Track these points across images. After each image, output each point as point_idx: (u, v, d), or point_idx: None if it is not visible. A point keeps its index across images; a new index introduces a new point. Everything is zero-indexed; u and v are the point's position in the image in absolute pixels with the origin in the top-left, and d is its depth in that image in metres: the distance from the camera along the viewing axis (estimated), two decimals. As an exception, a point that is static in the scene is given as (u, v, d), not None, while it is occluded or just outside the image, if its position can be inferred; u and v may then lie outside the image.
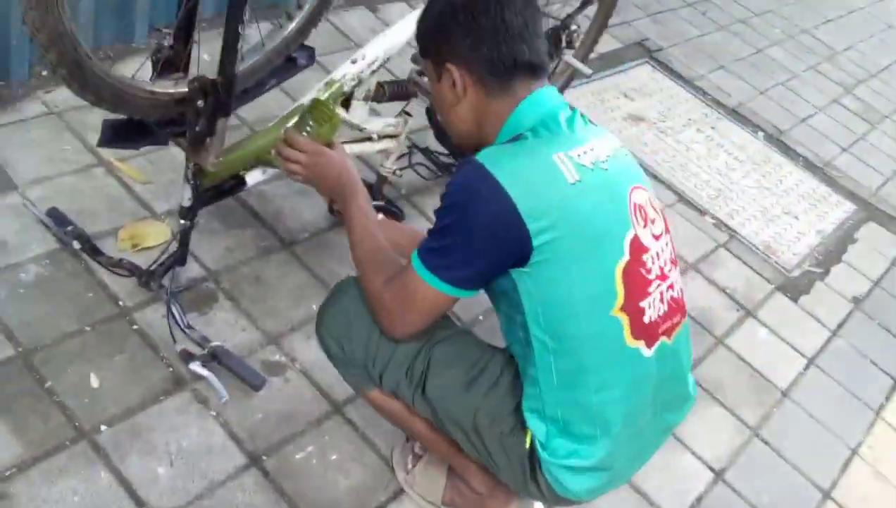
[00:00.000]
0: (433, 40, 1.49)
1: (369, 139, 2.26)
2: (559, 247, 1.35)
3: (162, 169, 2.35)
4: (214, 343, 1.95)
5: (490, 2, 1.41)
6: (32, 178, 2.19)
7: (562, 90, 2.84)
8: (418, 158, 2.70)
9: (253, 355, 2.05)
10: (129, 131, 1.65)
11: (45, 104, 2.43)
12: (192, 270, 2.18)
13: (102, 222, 2.16)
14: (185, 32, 1.64)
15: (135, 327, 1.99)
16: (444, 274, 1.38)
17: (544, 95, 1.46)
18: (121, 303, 2.02)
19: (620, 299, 1.40)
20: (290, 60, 1.95)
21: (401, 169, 2.50)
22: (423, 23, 1.51)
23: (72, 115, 2.42)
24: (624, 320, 1.41)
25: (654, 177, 3.34)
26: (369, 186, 2.45)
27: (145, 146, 1.84)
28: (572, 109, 1.50)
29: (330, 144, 1.73)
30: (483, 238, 1.34)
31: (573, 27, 2.53)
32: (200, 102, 1.65)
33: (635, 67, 4.06)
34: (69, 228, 2.05)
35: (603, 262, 1.39)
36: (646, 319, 1.44)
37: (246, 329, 2.09)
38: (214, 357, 1.92)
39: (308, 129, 1.73)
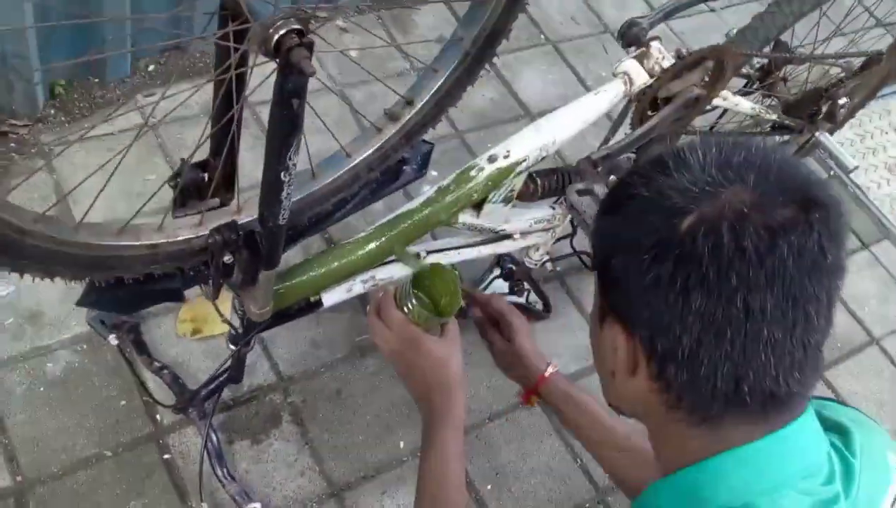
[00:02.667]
0: (604, 267, 0.80)
1: (508, 237, 1.64)
2: None
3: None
4: (252, 505, 1.50)
5: (727, 260, 0.69)
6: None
7: None
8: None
9: (306, 515, 1.58)
10: (125, 295, 1.15)
11: (141, 112, 1.99)
12: (259, 372, 1.71)
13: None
14: (224, 143, 1.09)
15: (166, 455, 1.57)
16: None
17: (782, 450, 0.76)
18: (157, 418, 1.60)
19: None
20: (397, 166, 1.35)
21: (555, 261, 1.87)
22: (600, 216, 0.84)
23: (171, 129, 1.98)
24: None
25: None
26: (509, 272, 1.88)
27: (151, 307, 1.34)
28: (837, 450, 0.81)
29: (442, 325, 1.17)
30: None
31: (842, 99, 1.72)
32: (228, 258, 1.12)
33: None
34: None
35: None
36: None
37: (305, 473, 1.62)
38: (250, 526, 1.48)
39: (410, 305, 1.16)
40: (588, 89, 2.52)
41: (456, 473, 1.11)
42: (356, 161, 1.26)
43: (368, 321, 1.20)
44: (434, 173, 2.13)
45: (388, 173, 1.33)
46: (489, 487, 1.69)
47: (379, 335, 1.18)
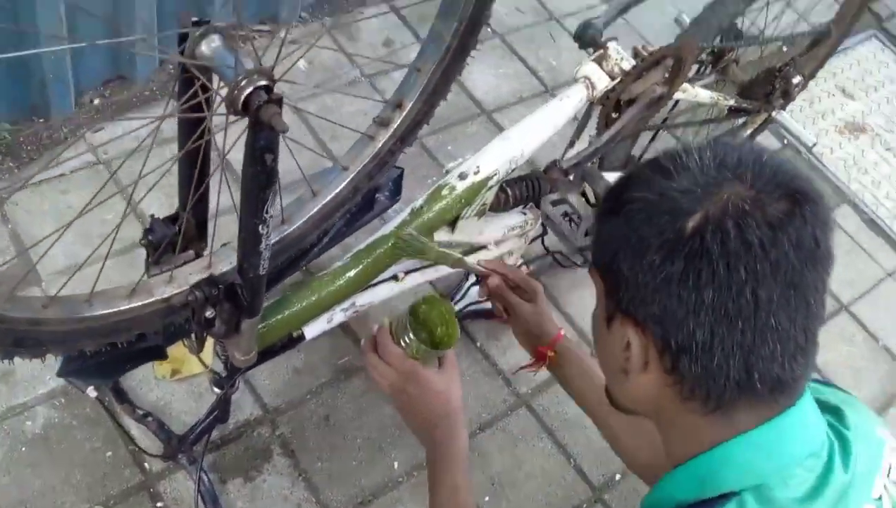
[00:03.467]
0: (609, 269, 0.81)
1: (483, 247, 1.63)
2: None
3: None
4: (253, 546, 1.48)
5: (735, 255, 0.72)
6: (57, 270, 1.72)
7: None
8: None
9: (306, 548, 1.56)
10: (106, 361, 1.11)
11: (93, 150, 1.93)
12: (244, 407, 1.69)
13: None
14: (193, 195, 1.06)
15: (159, 504, 1.54)
16: None
17: (789, 431, 0.79)
18: (146, 466, 1.57)
19: None
20: (370, 194, 1.32)
21: (529, 263, 1.88)
22: (601, 220, 0.85)
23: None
24: None
25: (875, 224, 2.51)
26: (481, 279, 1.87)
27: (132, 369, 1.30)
28: (834, 429, 0.85)
29: (440, 357, 1.16)
30: None
31: (796, 78, 1.74)
32: (210, 313, 1.09)
33: (857, 46, 3.10)
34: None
35: None
36: None
37: (301, 505, 1.60)
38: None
39: (408, 339, 1.15)
40: (540, 80, 2.53)
41: (468, 502, 1.11)
42: (354, 173, 1.24)
43: (365, 358, 1.19)
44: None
45: (362, 204, 1.30)
46: (486, 498, 1.69)
47: (377, 371, 1.17)
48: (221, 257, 1.18)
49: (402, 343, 1.14)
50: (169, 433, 1.53)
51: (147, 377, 1.67)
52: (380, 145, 1.31)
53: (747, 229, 0.71)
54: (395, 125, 1.31)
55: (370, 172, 1.31)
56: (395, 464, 1.69)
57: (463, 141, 2.26)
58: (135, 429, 1.58)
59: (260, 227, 0.98)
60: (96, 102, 2.02)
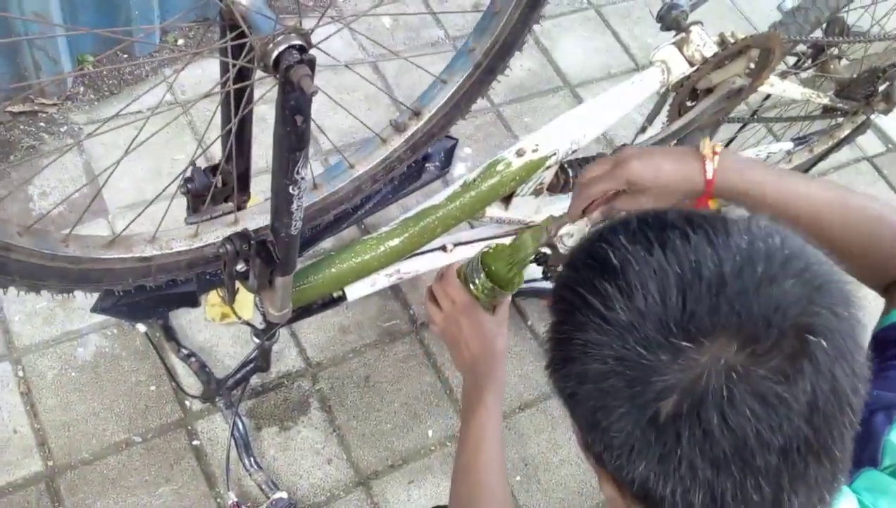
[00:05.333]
0: (573, 409, 0.67)
1: (541, 227, 1.58)
2: None
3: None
4: (278, 495, 1.50)
5: (718, 440, 0.57)
6: (125, 204, 1.77)
7: (834, 148, 1.89)
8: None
9: (332, 503, 1.58)
10: (140, 302, 1.13)
11: (171, 90, 1.97)
12: (287, 358, 1.71)
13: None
14: (239, 147, 1.06)
15: (195, 442, 1.58)
16: None
17: None
18: (187, 404, 1.61)
19: None
20: (420, 163, 1.28)
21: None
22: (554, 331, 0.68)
23: (200, 106, 1.95)
24: None
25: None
26: (544, 258, 1.82)
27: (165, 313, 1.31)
28: None
29: (494, 303, 1.14)
30: None
31: (901, 81, 1.61)
32: (242, 267, 1.09)
33: None
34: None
35: None
36: None
37: (332, 461, 1.62)
38: (275, 514, 1.49)
39: (473, 277, 1.14)
40: (632, 57, 2.42)
41: (496, 434, 1.08)
42: (359, 173, 1.21)
43: (431, 288, 1.16)
44: (468, 150, 2.08)
45: (410, 171, 1.27)
46: (518, 478, 1.67)
47: (440, 296, 1.13)
48: (253, 215, 1.18)
49: (467, 281, 1.13)
50: (209, 376, 1.56)
51: (197, 318, 1.70)
52: (390, 150, 1.24)
53: (735, 410, 0.56)
54: (410, 133, 1.24)
55: (375, 175, 1.25)
56: (430, 432, 1.68)
57: (542, 113, 2.20)
58: (180, 368, 1.62)
59: (290, 187, 0.97)
60: (180, 42, 2.04)
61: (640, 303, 0.58)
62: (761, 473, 0.57)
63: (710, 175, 0.96)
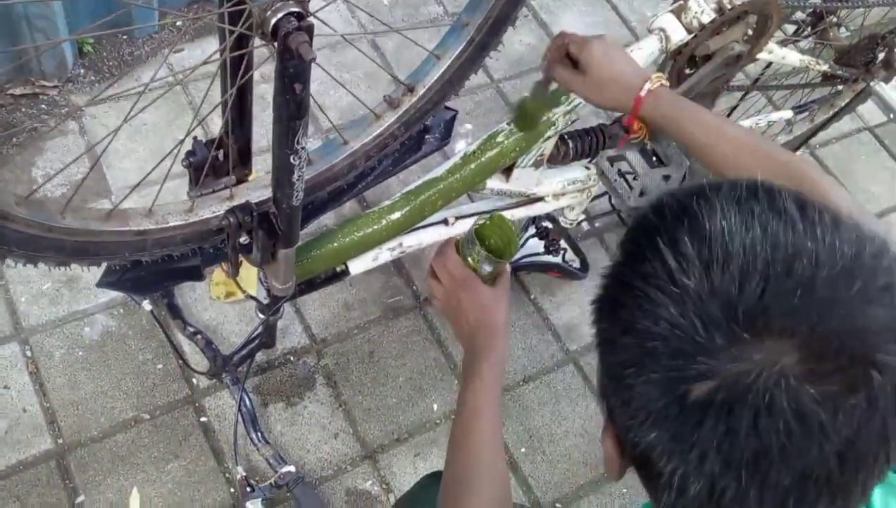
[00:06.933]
0: (606, 374, 0.64)
1: (540, 199, 1.59)
2: None
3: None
4: (286, 469, 1.52)
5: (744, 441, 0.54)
6: (128, 184, 1.78)
7: (834, 117, 1.89)
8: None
9: (339, 476, 1.60)
10: (144, 276, 1.14)
11: (170, 69, 1.97)
12: (292, 335, 1.72)
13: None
14: (238, 119, 1.06)
15: (203, 418, 1.59)
16: None
17: None
18: (194, 381, 1.62)
19: None
20: (419, 135, 1.29)
21: (592, 219, 1.82)
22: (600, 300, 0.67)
23: (200, 86, 1.95)
24: None
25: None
26: (545, 231, 1.83)
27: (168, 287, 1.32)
28: None
29: (495, 275, 1.14)
30: None
31: (901, 46, 1.61)
32: (244, 239, 1.10)
33: None
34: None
35: None
36: None
37: (339, 435, 1.63)
38: (282, 488, 1.50)
39: (469, 249, 1.14)
40: (631, 30, 2.42)
41: (492, 404, 1.09)
42: (354, 148, 1.21)
43: (431, 263, 1.17)
44: (468, 126, 2.08)
45: (410, 143, 1.28)
46: (522, 450, 1.68)
47: (439, 271, 1.14)
48: (253, 187, 1.19)
49: (465, 255, 1.13)
50: (215, 352, 1.57)
51: (202, 297, 1.71)
52: (384, 127, 1.24)
53: (768, 421, 0.52)
54: (404, 109, 1.24)
55: (369, 151, 1.25)
56: (434, 406, 1.70)
57: (542, 88, 2.19)
58: (186, 345, 1.64)
59: (291, 158, 0.97)
60: (179, 23, 2.04)
61: (716, 277, 0.54)
62: (770, 488, 0.54)
63: (643, 93, 1.04)
